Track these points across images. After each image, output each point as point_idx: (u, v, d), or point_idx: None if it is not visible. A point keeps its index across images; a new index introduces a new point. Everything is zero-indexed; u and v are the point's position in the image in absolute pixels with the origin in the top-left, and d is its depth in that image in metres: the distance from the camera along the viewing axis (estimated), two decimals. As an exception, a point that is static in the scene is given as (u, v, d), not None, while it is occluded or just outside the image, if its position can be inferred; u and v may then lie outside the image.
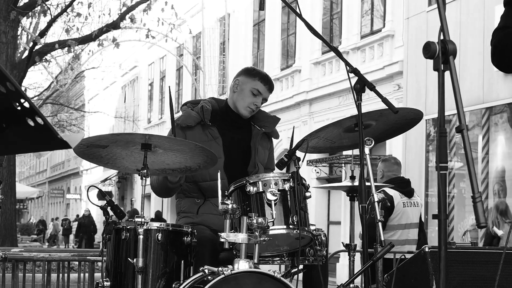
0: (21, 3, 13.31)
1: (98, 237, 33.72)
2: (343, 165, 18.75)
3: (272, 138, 5.11)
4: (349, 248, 4.52)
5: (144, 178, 4.04)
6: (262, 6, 4.19)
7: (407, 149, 16.28)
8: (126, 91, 42.69)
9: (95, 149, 4.11)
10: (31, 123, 2.45)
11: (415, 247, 8.21)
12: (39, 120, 2.43)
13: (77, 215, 41.25)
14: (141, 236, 3.97)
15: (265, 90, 4.88)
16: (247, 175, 4.40)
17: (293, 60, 22.68)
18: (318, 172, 19.53)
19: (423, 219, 11.18)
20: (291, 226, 3.98)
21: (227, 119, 4.93)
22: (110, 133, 4.24)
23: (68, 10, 14.71)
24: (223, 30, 28.24)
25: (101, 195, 4.45)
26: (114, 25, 14.10)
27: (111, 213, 4.31)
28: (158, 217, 24.97)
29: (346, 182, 4.73)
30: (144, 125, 37.31)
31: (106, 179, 40.87)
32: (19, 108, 2.45)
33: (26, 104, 2.49)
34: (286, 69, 22.91)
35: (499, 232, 11.15)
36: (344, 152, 16.74)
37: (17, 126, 2.50)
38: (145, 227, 3.99)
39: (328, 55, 20.11)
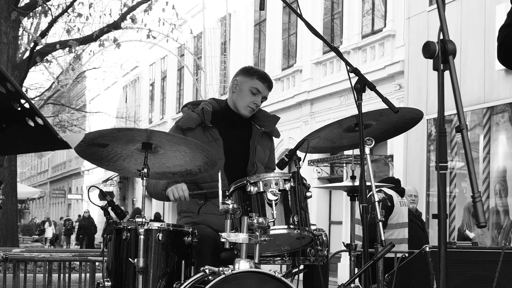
0: (22, 4, 13.29)
1: (98, 237, 33.71)
2: (344, 165, 18.75)
3: (273, 137, 5.12)
4: (350, 248, 4.52)
5: (144, 178, 4.05)
6: (262, 6, 4.20)
7: (408, 149, 16.28)
8: (127, 91, 42.69)
9: (95, 148, 4.10)
10: (31, 124, 2.46)
11: (407, 245, 8.31)
12: (39, 121, 2.43)
13: (79, 215, 41.28)
14: (142, 236, 3.97)
15: (264, 88, 4.88)
16: (247, 175, 4.39)
17: (294, 60, 22.69)
18: (319, 172, 19.53)
19: (424, 219, 11.21)
20: (291, 226, 3.98)
21: (227, 119, 4.93)
22: (112, 127, 4.22)
23: (69, 10, 14.71)
24: (224, 30, 28.25)
25: (102, 195, 4.45)
26: (115, 26, 14.09)
27: (112, 213, 4.32)
28: (157, 218, 24.98)
29: (347, 182, 4.73)
30: (145, 125, 37.32)
31: (107, 180, 40.88)
32: (19, 108, 2.46)
33: (26, 105, 2.49)
34: (287, 69, 22.91)
35: (471, 235, 11.30)
36: (346, 152, 16.74)
37: (17, 126, 2.51)
38: (145, 227, 4.00)
39: (329, 55, 20.10)
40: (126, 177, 39.70)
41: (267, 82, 4.91)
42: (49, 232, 43.20)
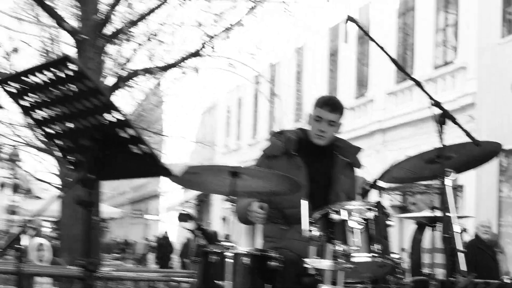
0: (107, 31, 13.67)
1: (175, 257, 33.91)
2: (416, 194, 18.62)
3: (355, 167, 5.20)
4: (429, 277, 4.56)
5: (231, 204, 4.20)
6: (346, 39, 4.32)
7: (480, 179, 16.10)
8: (204, 117, 43.14)
9: (188, 176, 4.28)
10: (136, 150, 2.64)
11: None
12: (144, 148, 2.61)
13: (156, 237, 41.69)
14: (228, 260, 4.11)
15: (326, 113, 4.95)
16: (330, 204, 4.49)
17: (367, 90, 22.69)
18: (392, 200, 19.43)
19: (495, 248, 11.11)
20: (374, 254, 4.07)
21: (310, 149, 5.06)
22: (207, 164, 4.38)
23: (152, 37, 15.07)
24: (299, 60, 28.41)
25: (188, 218, 4.60)
26: (196, 53, 14.40)
27: (198, 236, 4.46)
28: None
29: (426, 212, 4.78)
30: (221, 150, 37.63)
31: (184, 202, 41.31)
32: (124, 135, 2.64)
33: (132, 132, 2.68)
34: (359, 98, 22.90)
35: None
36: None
37: (122, 153, 2.69)
38: (232, 251, 4.13)
39: (402, 85, 20.10)
40: (202, 200, 40.00)
41: (329, 106, 4.96)
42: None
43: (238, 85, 35.74)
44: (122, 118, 2.65)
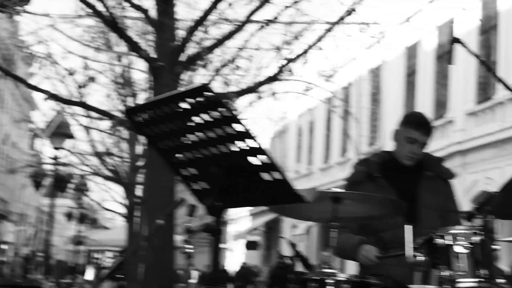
0: (183, 57, 13.61)
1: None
2: None
3: (447, 179, 5.08)
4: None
5: (333, 230, 4.07)
6: (451, 60, 4.22)
7: None
8: (274, 141, 43.11)
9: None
10: (267, 178, 2.58)
11: None
12: (276, 174, 2.56)
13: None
14: (330, 287, 3.99)
15: (420, 136, 4.90)
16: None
17: (446, 110, 22.38)
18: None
19: None
20: (480, 279, 3.92)
21: (395, 169, 4.95)
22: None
23: (228, 63, 15.07)
24: (374, 80, 28.23)
25: (292, 246, 4.52)
26: (273, 78, 14.23)
27: (296, 263, 4.37)
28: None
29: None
30: (292, 175, 37.50)
31: (253, 229, 41.33)
32: (255, 163, 2.60)
33: (265, 159, 2.63)
34: (438, 120, 22.61)
35: None
36: None
37: (251, 180, 2.64)
38: (333, 278, 4.01)
39: (483, 106, 19.77)
40: (271, 227, 39.90)
41: (423, 129, 4.92)
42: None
43: (309, 109, 35.64)
44: (257, 146, 2.61)
